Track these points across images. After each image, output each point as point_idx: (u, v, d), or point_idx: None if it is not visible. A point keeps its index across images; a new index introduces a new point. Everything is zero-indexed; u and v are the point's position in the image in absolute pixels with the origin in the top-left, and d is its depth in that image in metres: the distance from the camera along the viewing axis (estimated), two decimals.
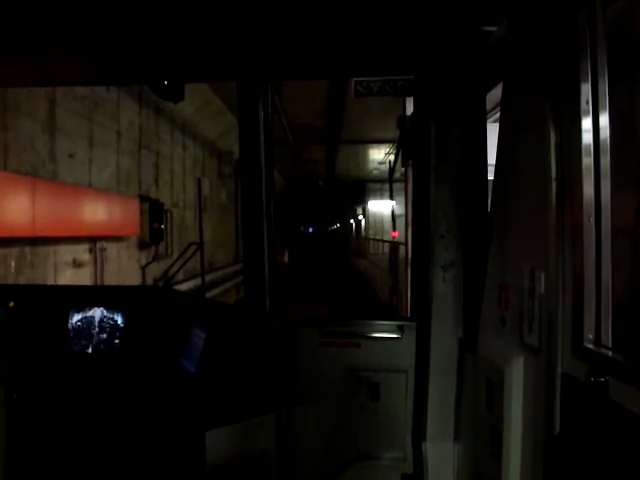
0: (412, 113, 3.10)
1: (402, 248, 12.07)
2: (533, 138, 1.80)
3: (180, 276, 9.83)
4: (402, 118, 8.67)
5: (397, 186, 10.17)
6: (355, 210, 39.19)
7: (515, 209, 1.99)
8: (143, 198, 9.88)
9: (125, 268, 9.30)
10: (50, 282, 6.79)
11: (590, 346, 1.52)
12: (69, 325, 3.00)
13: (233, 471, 2.36)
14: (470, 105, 2.57)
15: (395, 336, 2.81)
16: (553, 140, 1.66)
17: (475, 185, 2.59)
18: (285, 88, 10.04)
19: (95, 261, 8.14)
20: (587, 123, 1.55)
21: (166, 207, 10.76)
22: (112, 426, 2.64)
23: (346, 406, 2.84)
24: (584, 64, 1.55)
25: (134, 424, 2.59)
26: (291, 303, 14.85)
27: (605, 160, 1.54)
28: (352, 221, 43.63)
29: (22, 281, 6.15)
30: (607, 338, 1.52)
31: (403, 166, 8.51)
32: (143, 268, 10.03)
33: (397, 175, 10.33)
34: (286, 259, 25.57)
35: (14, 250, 6.15)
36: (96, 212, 8.01)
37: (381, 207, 28.41)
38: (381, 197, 27.48)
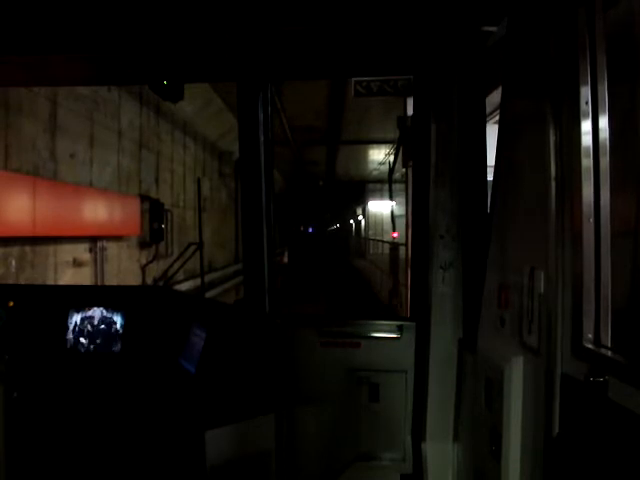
0: (412, 113, 3.09)
1: (402, 248, 12.07)
2: (533, 139, 1.80)
3: (180, 276, 9.84)
4: (402, 118, 8.67)
5: (397, 187, 10.17)
6: (355, 210, 39.19)
7: (515, 210, 1.99)
8: (143, 198, 9.89)
9: (125, 268, 9.30)
10: (50, 282, 6.79)
11: (589, 346, 1.52)
12: (69, 325, 3.00)
13: (233, 471, 2.36)
14: (470, 105, 2.57)
15: (395, 336, 2.81)
16: (552, 141, 1.66)
17: (475, 185, 2.59)
18: (285, 88, 10.05)
19: (95, 261, 8.14)
20: (587, 124, 1.55)
21: (166, 207, 10.77)
22: (112, 426, 2.64)
23: (346, 406, 2.84)
24: (584, 65, 1.56)
25: (134, 424, 2.59)
26: (291, 304, 14.84)
27: (604, 161, 1.54)
28: (352, 221, 43.62)
29: (23, 281, 6.16)
30: (606, 338, 1.52)
31: (403, 167, 8.51)
32: (143, 268, 10.04)
33: (397, 176, 10.34)
34: (286, 259, 25.56)
35: (15, 249, 6.16)
36: (96, 212, 8.01)
37: (381, 207, 28.40)
38: (381, 197, 27.48)
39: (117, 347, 2.95)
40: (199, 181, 10.38)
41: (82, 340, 2.98)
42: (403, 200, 9.33)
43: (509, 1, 1.99)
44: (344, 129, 15.86)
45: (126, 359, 2.89)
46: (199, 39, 2.48)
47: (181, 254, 8.87)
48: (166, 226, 10.57)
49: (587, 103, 1.54)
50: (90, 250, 8.03)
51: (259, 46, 2.56)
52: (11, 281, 5.83)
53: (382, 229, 27.20)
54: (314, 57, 2.73)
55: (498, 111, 2.19)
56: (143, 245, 10.02)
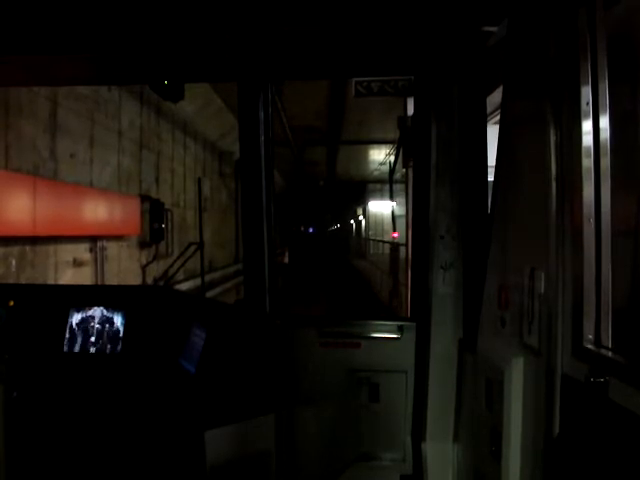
0: (412, 113, 3.09)
1: (402, 249, 12.07)
2: (533, 139, 1.80)
3: (180, 276, 9.83)
4: (403, 118, 8.66)
5: (397, 187, 10.16)
6: (355, 211, 39.20)
7: (515, 210, 1.99)
8: (144, 198, 9.89)
9: (125, 268, 9.30)
10: (51, 281, 6.79)
11: (590, 347, 1.52)
12: (69, 324, 3.00)
13: (233, 471, 2.35)
14: (470, 105, 2.57)
15: (395, 336, 2.81)
16: (553, 141, 1.66)
17: (475, 185, 2.59)
18: (285, 88, 10.03)
19: (95, 260, 8.14)
20: (587, 124, 1.55)
21: (166, 207, 10.77)
22: (112, 426, 2.64)
23: (346, 406, 2.83)
24: (584, 65, 1.55)
25: (133, 424, 2.59)
26: (292, 305, 14.84)
27: (605, 161, 1.54)
28: (352, 222, 43.62)
29: (23, 280, 6.16)
30: (607, 339, 1.52)
31: (403, 167, 8.50)
32: (143, 268, 10.03)
33: (397, 176, 10.32)
34: (286, 259, 25.56)
35: (15, 249, 6.16)
36: (97, 211, 8.02)
37: (381, 208, 28.40)
38: (381, 198, 27.48)
39: (117, 347, 2.95)
40: (200, 181, 10.39)
41: (82, 339, 2.98)
42: (403, 200, 9.33)
43: (509, 1, 1.98)
44: (344, 129, 15.86)
45: (126, 359, 2.89)
46: (199, 39, 2.47)
47: (181, 254, 8.86)
48: (166, 226, 10.56)
49: (588, 103, 1.54)
50: (90, 250, 8.03)
51: (259, 46, 2.56)
52: (11, 281, 5.83)
53: (382, 229, 27.18)
54: (314, 57, 2.73)
55: (499, 111, 2.19)
56: (143, 245, 10.02)
